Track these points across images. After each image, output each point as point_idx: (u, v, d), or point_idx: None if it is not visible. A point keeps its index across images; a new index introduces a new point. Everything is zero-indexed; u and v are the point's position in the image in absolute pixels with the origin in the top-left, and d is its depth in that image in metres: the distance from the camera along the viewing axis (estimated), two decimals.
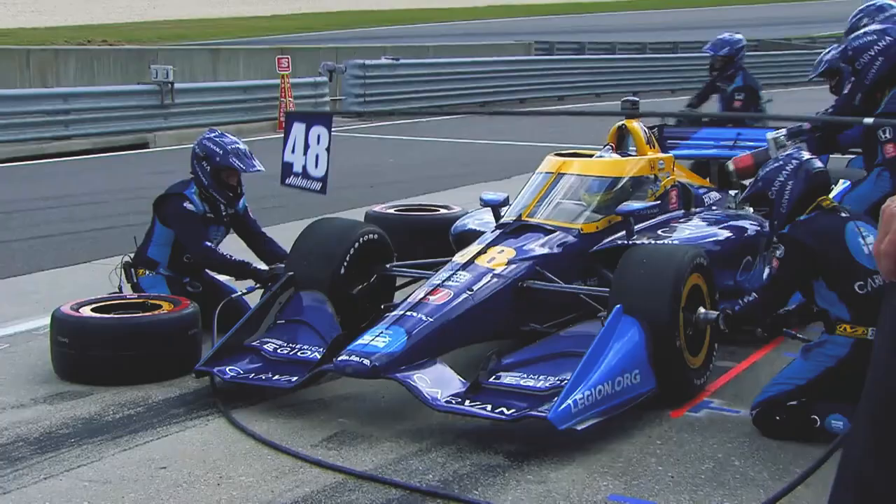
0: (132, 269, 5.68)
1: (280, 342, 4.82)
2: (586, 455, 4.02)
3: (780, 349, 5.41)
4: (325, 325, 4.85)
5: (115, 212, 9.53)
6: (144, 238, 5.74)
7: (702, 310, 4.60)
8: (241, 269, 5.65)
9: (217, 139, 5.73)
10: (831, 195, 6.39)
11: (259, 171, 5.76)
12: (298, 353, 4.73)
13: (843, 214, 4.35)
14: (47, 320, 5.10)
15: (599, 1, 67.57)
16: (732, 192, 6.63)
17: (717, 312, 4.60)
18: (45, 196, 10.78)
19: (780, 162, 4.55)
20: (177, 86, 16.06)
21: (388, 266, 5.41)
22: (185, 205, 5.60)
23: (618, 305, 4.39)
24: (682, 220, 5.69)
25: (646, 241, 5.17)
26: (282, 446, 4.11)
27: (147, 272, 5.66)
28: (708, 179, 7.21)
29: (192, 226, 5.61)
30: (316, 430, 4.31)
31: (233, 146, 5.71)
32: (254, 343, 4.82)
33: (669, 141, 7.36)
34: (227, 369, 4.63)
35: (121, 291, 5.59)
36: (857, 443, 1.73)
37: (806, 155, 4.60)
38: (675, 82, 26.55)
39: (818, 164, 4.55)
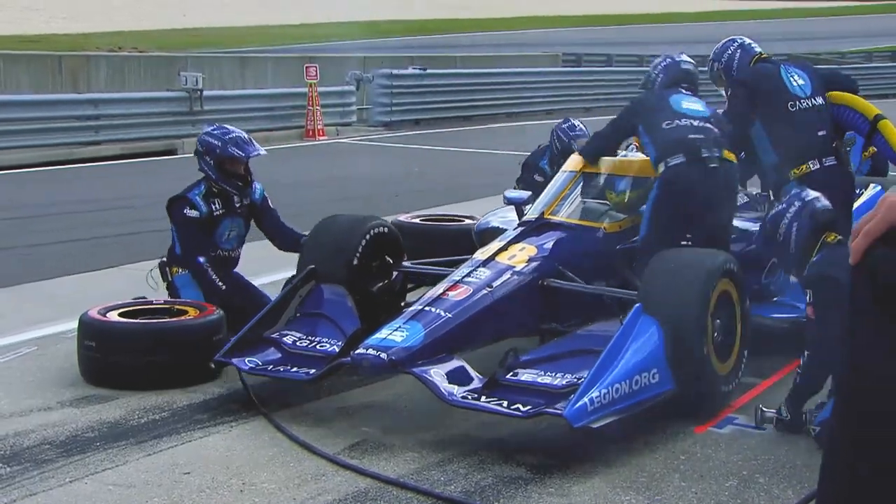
0: (167, 269, 5.76)
1: (299, 335, 4.84)
2: (609, 469, 4.00)
3: None
4: (345, 318, 4.86)
5: (143, 217, 9.60)
6: (172, 236, 5.81)
7: (761, 407, 4.43)
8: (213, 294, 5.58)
9: (214, 132, 5.75)
10: (858, 202, 6.36)
11: (259, 154, 5.76)
12: (318, 346, 4.74)
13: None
14: (75, 324, 5.14)
15: (627, 13, 67.47)
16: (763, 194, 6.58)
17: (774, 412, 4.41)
18: (74, 200, 10.89)
19: (784, 205, 4.53)
20: (205, 93, 16.19)
21: (408, 263, 5.44)
22: (185, 211, 5.64)
23: (637, 304, 4.35)
24: None
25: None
26: (316, 448, 4.13)
27: (181, 270, 5.71)
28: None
29: (189, 234, 5.67)
30: (338, 438, 4.31)
31: (230, 135, 5.73)
32: (273, 335, 4.84)
33: None
34: (246, 360, 4.65)
35: (157, 291, 5.70)
36: (837, 435, 1.72)
37: (811, 194, 4.54)
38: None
39: (822, 202, 4.49)
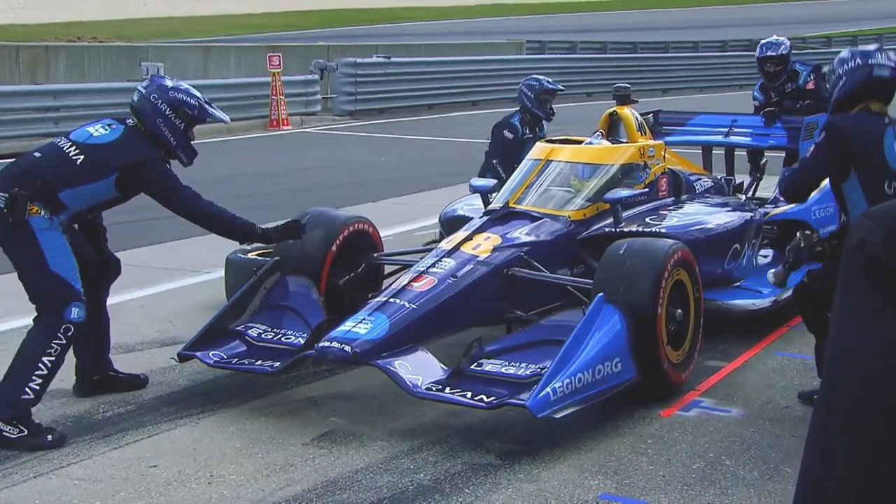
0: (25, 202, 4.33)
1: (265, 327, 4.81)
2: (577, 454, 4.02)
3: (770, 348, 5.43)
4: (311, 310, 4.85)
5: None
6: (59, 175, 4.43)
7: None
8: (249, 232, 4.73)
9: (188, 89, 4.86)
10: (814, 192, 6.41)
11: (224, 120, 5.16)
12: (283, 339, 4.71)
13: (887, 120, 4.29)
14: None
15: (591, 0, 67.65)
16: (724, 180, 6.60)
17: None
18: None
19: (849, 55, 4.43)
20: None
21: (375, 255, 5.42)
22: (169, 165, 4.67)
23: (599, 294, 4.37)
24: (671, 208, 5.69)
25: (634, 228, 5.16)
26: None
27: (43, 213, 4.35)
28: (702, 166, 7.19)
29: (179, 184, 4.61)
30: (307, 428, 4.30)
31: (202, 99, 4.89)
32: (238, 328, 4.81)
33: (665, 127, 7.35)
34: (211, 354, 4.62)
35: None
36: (819, 413, 1.74)
37: (881, 59, 4.37)
38: (667, 82, 26.60)
39: (886, 73, 4.34)
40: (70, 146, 4.55)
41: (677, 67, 27.70)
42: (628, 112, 6.04)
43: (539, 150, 5.60)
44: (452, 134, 16.66)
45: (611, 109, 6.15)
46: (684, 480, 3.80)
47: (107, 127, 4.67)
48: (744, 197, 6.63)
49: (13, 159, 4.70)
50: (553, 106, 7.46)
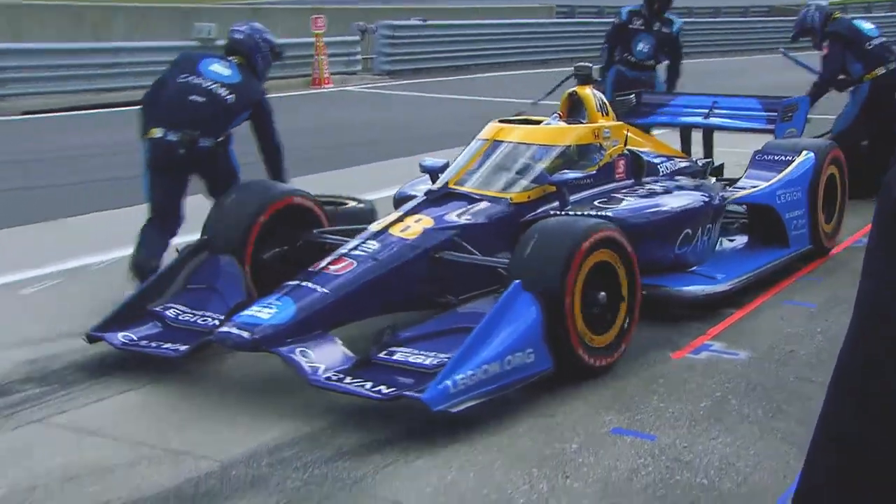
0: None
1: (184, 308, 4.33)
2: (593, 392, 4.03)
3: (779, 296, 5.40)
4: (233, 291, 4.35)
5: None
6: (225, 111, 5.12)
7: None
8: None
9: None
10: (789, 169, 6.25)
11: None
12: (199, 321, 4.23)
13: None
14: (99, 258, 5.11)
15: None
16: (701, 162, 6.22)
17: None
18: (87, 144, 10.82)
19: None
20: (219, 42, 15.98)
21: (315, 231, 4.83)
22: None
23: (516, 281, 3.89)
24: (624, 191, 5.07)
25: (581, 212, 4.62)
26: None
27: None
28: (680, 148, 6.78)
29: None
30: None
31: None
32: (157, 308, 4.34)
33: (646, 108, 6.99)
34: (120, 336, 4.16)
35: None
36: (837, 400, 1.62)
37: None
38: (688, 46, 26.12)
39: None
40: (214, 84, 5.13)
41: (699, 32, 27.19)
42: (589, 92, 5.36)
43: (487, 130, 5.06)
44: (484, 93, 16.53)
45: (570, 89, 5.50)
46: (692, 417, 3.82)
47: (226, 66, 5.24)
48: (714, 179, 6.02)
49: (167, 103, 5.14)
50: (672, 17, 8.05)
